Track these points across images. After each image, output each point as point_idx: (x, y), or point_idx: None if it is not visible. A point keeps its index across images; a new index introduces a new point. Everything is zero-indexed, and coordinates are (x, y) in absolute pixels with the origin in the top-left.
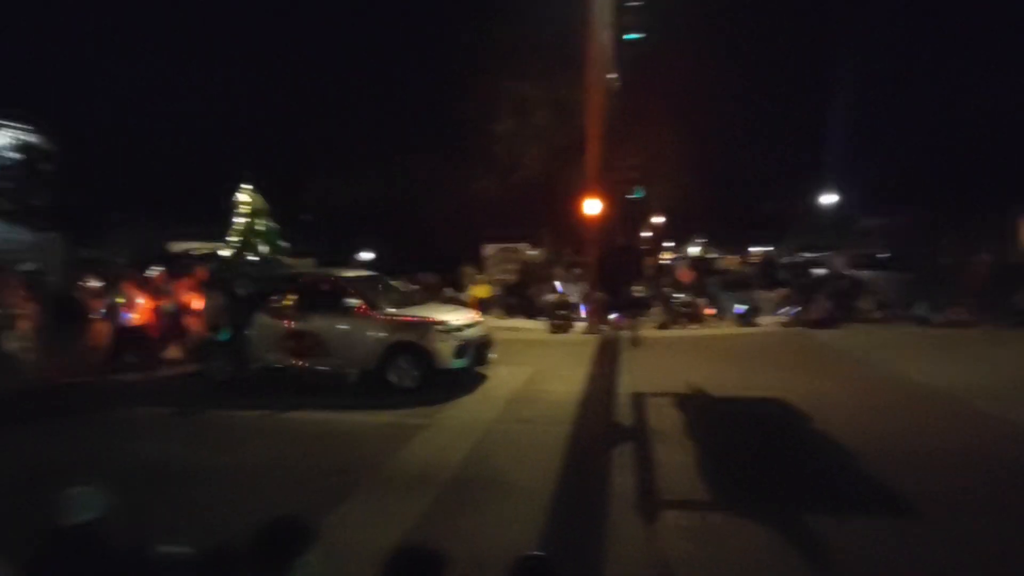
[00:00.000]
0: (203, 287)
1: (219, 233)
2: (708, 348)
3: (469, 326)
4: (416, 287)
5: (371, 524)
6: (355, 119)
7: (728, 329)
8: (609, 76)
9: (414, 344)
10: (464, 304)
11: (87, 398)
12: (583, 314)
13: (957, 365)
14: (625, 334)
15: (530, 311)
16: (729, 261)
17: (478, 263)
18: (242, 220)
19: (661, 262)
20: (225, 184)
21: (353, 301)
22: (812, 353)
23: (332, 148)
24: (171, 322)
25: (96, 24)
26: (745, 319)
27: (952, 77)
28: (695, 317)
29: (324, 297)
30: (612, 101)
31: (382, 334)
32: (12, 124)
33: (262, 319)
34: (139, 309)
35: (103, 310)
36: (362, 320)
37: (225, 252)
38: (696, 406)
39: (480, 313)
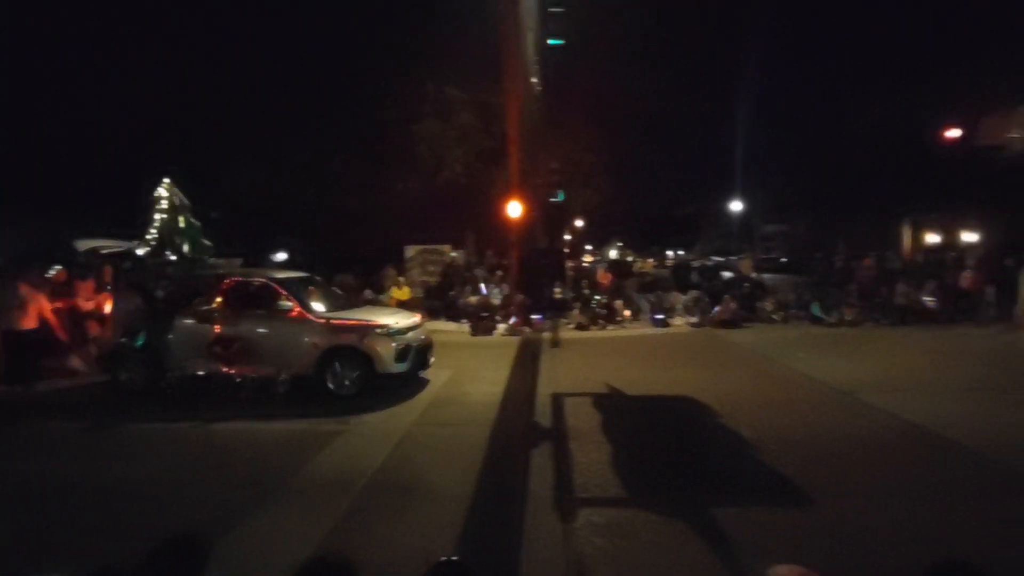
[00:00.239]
0: (114, 288)
1: (134, 230)
2: (625, 348)
3: (410, 329)
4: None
5: (281, 537)
6: (272, 115)
7: (643, 330)
8: (531, 80)
9: (354, 348)
10: (385, 306)
11: None
12: (506, 315)
13: (846, 361)
14: (546, 335)
15: (452, 313)
16: (645, 264)
17: (399, 265)
18: (161, 217)
19: (581, 265)
20: (141, 178)
21: (287, 304)
22: (719, 352)
23: (246, 144)
24: (73, 327)
25: None
26: (658, 320)
27: (843, 98)
28: (613, 318)
29: (255, 299)
30: (534, 105)
31: (319, 338)
32: None
33: (184, 323)
34: (33, 312)
35: None
36: (297, 324)
37: (141, 251)
38: (612, 405)
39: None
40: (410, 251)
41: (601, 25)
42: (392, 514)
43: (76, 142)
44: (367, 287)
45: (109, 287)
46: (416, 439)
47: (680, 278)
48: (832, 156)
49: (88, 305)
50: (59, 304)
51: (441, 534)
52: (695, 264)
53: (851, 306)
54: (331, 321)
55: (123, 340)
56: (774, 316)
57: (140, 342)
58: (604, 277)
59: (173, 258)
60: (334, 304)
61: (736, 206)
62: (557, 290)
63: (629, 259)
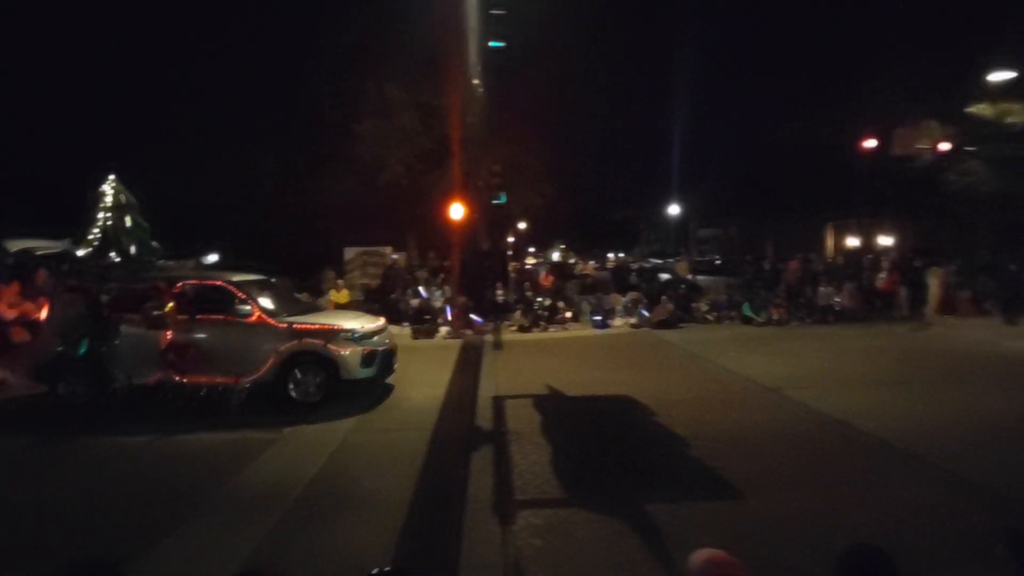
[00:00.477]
0: (50, 293)
1: (71, 230)
2: (566, 350)
3: (375, 333)
4: None
5: (205, 554)
6: (205, 112)
7: (584, 331)
8: (473, 82)
9: (317, 354)
10: (323, 310)
11: None
12: (448, 317)
13: (772, 358)
14: (488, 338)
15: (393, 316)
16: (586, 266)
17: (339, 267)
18: (105, 216)
19: (524, 267)
20: (80, 175)
21: (245, 307)
22: (657, 352)
23: (178, 141)
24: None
25: None
26: (598, 322)
27: (771, 110)
28: (554, 320)
29: (210, 303)
30: (476, 107)
31: (280, 344)
32: None
33: (132, 329)
34: None
35: None
36: (257, 328)
37: (81, 252)
38: (553, 406)
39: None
40: (349, 253)
41: (544, 30)
42: (326, 525)
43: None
44: (305, 290)
45: (44, 291)
46: (353, 446)
47: (620, 280)
48: (761, 164)
49: (11, 312)
50: None
51: (377, 543)
52: (634, 266)
53: (778, 306)
54: (293, 326)
55: (62, 349)
56: (708, 316)
57: (82, 350)
58: (546, 279)
59: (118, 260)
60: (295, 308)
61: (674, 210)
62: (499, 292)
63: (571, 261)
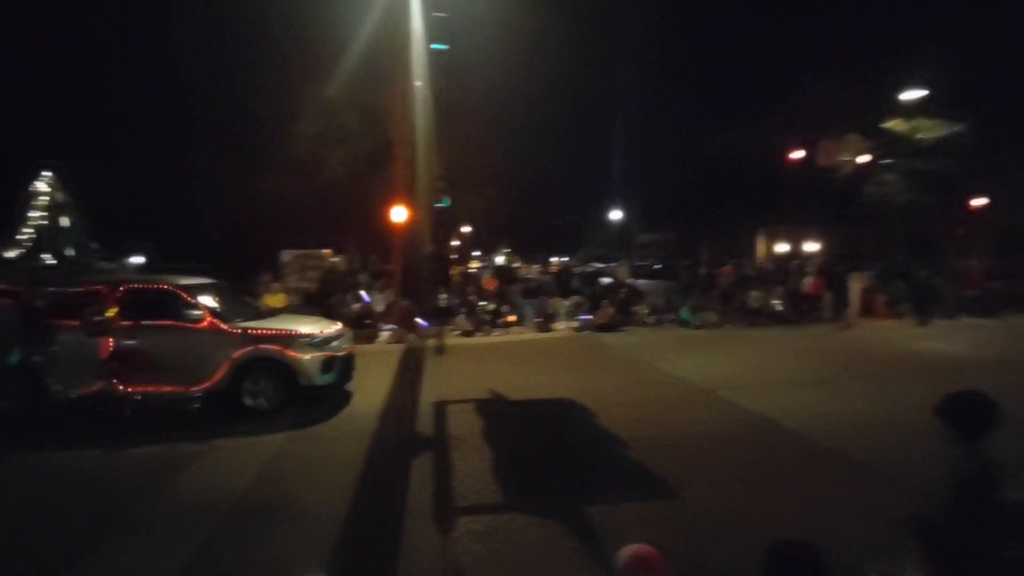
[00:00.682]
0: None
1: (1, 231)
2: (509, 354)
3: (334, 338)
4: None
5: (130, 569)
6: (134, 107)
7: (527, 335)
8: (416, 84)
9: (274, 360)
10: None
11: None
12: (387, 323)
13: (707, 361)
14: (430, 342)
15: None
16: (530, 270)
17: (275, 270)
18: (39, 215)
19: (467, 271)
20: (12, 171)
21: (196, 312)
22: (597, 355)
23: (103, 138)
24: None
25: None
26: (541, 325)
27: (707, 121)
28: (498, 324)
29: (158, 308)
30: (420, 110)
31: (234, 350)
32: None
33: (71, 337)
34: None
35: None
36: (208, 335)
37: (11, 253)
38: (494, 410)
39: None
40: (286, 256)
41: (489, 36)
42: (258, 538)
43: None
44: (240, 293)
45: None
46: (288, 456)
47: (562, 284)
48: (697, 172)
49: None
50: None
51: (312, 555)
52: (577, 270)
53: (713, 310)
54: (248, 331)
55: None
56: (647, 320)
57: (14, 360)
58: (489, 283)
59: (53, 262)
60: (248, 312)
61: (615, 215)
62: (442, 296)
63: (515, 265)
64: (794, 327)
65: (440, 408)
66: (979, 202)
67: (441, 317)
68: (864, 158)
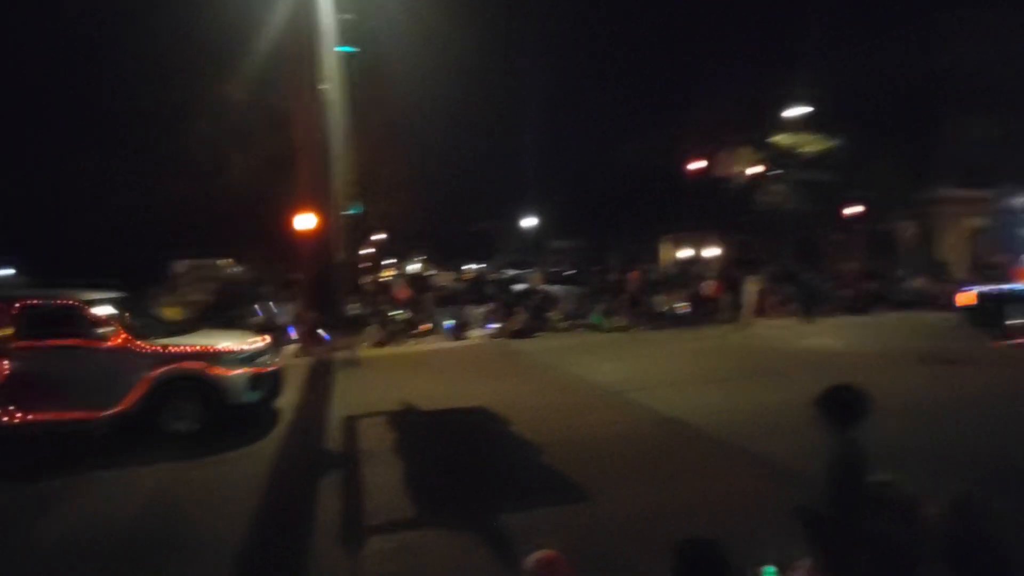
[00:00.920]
0: None
1: None
2: (422, 364)
3: (261, 353)
4: None
5: None
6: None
7: (442, 343)
8: (323, 87)
9: (198, 379)
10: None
11: None
12: (293, 335)
13: (617, 363)
14: (341, 354)
15: None
16: (444, 278)
17: (168, 281)
18: None
19: (379, 279)
20: None
21: (106, 330)
22: (512, 362)
23: None
24: None
25: None
26: (455, 333)
27: (615, 130)
28: (411, 333)
29: (61, 326)
30: (328, 113)
31: (150, 370)
32: None
33: None
34: None
35: None
36: (120, 354)
37: None
38: (407, 422)
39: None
40: (180, 266)
41: (401, 40)
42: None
43: None
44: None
45: None
46: (182, 481)
47: (477, 291)
48: (606, 180)
49: None
50: None
51: None
52: (491, 277)
53: (622, 314)
54: (167, 348)
55: None
56: (561, 325)
57: None
58: (402, 291)
59: None
60: (163, 328)
61: (530, 222)
62: (353, 306)
63: (430, 273)
64: (696, 328)
65: (351, 422)
66: (854, 210)
67: (352, 328)
68: (755, 169)
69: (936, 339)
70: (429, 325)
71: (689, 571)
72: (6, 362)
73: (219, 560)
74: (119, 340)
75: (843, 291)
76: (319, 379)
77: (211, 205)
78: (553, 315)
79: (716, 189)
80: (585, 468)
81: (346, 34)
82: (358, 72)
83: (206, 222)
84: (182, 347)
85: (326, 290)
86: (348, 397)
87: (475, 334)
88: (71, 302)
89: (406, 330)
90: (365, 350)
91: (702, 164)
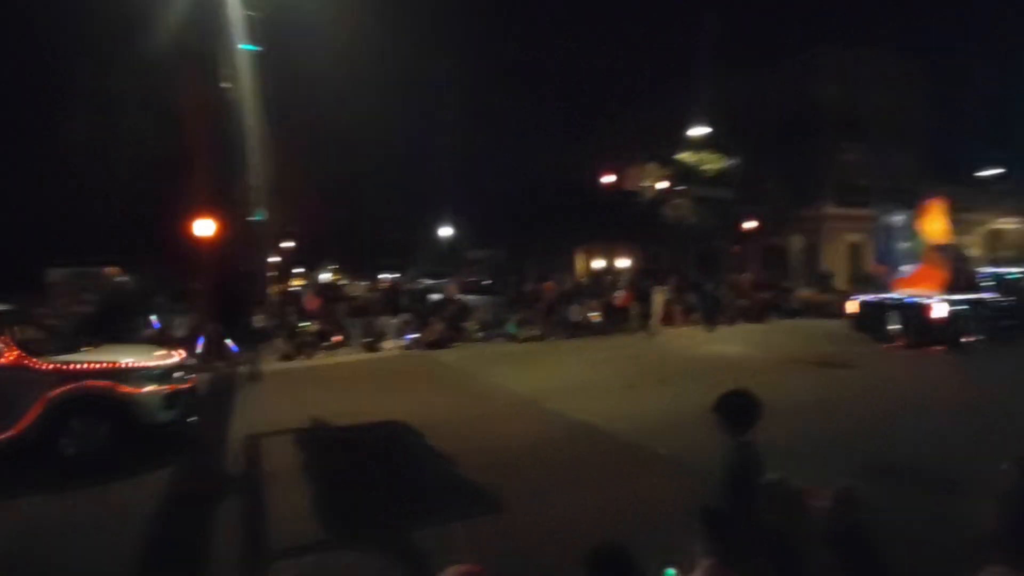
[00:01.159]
0: None
1: None
2: (334, 377)
3: (175, 368)
4: None
5: None
6: None
7: (354, 356)
8: (225, 86)
9: (106, 399)
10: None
11: None
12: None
13: (532, 372)
14: (243, 369)
15: None
16: (357, 288)
17: (42, 292)
18: None
19: (287, 289)
20: None
21: None
22: (427, 373)
23: None
24: None
25: None
26: (371, 346)
27: (531, 140)
28: (321, 346)
29: None
30: (231, 114)
31: (49, 389)
32: None
33: None
34: None
35: None
36: (13, 372)
37: None
38: (316, 440)
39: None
40: (55, 275)
41: (313, 42)
42: None
43: None
44: None
45: None
46: (49, 515)
47: (391, 301)
48: (522, 191)
49: None
50: None
51: None
52: (406, 287)
53: (538, 323)
54: (69, 366)
55: None
56: (477, 335)
57: None
58: (312, 302)
59: None
60: (63, 343)
61: (446, 232)
62: (258, 317)
63: (342, 282)
64: (608, 337)
65: (253, 442)
66: (749, 224)
67: (256, 341)
68: (662, 184)
69: (825, 344)
70: (341, 337)
71: None
72: None
73: None
74: (11, 358)
75: (740, 301)
76: (220, 396)
77: (95, 208)
78: (469, 325)
79: (626, 203)
80: (501, 477)
81: (254, 32)
82: (270, 73)
83: (90, 226)
84: (85, 364)
85: (228, 300)
86: (251, 415)
87: (390, 345)
88: None
89: (316, 342)
90: (271, 364)
91: (613, 179)
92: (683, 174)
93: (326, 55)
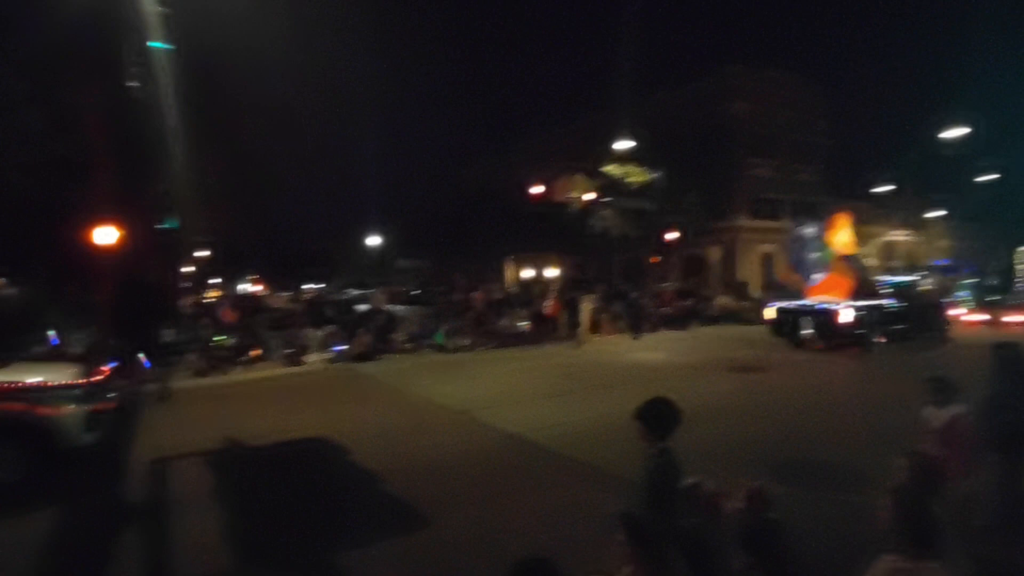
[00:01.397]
0: None
1: None
2: (252, 393)
3: (98, 389)
4: None
5: None
6: None
7: (274, 371)
8: (131, 85)
9: (20, 422)
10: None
11: None
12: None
13: (462, 383)
14: (151, 387)
15: None
16: (278, 299)
17: None
18: None
19: (201, 301)
20: None
21: None
22: (354, 386)
23: None
24: None
25: None
26: (292, 360)
27: (460, 150)
28: (239, 361)
29: None
30: (138, 115)
31: None
32: None
33: None
34: None
35: None
36: None
37: None
38: (230, 461)
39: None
40: None
41: (234, 43)
42: None
43: None
44: None
45: None
46: None
47: (315, 313)
48: (451, 201)
49: None
50: None
51: None
52: (332, 298)
53: (467, 333)
54: None
55: None
56: (406, 346)
57: None
58: (228, 314)
59: None
60: None
61: (373, 241)
62: (167, 331)
63: (264, 293)
64: (538, 346)
65: (160, 466)
66: (671, 235)
67: (165, 356)
68: (589, 196)
69: (743, 349)
70: (259, 351)
71: None
72: None
73: None
74: None
75: (663, 309)
76: (123, 419)
77: None
78: (397, 336)
79: (554, 213)
80: (427, 492)
81: (168, 30)
82: (187, 75)
83: None
84: None
85: (132, 314)
86: (159, 436)
87: (313, 358)
88: None
89: (232, 357)
90: (183, 381)
91: (542, 190)
92: (609, 186)
93: (250, 58)
